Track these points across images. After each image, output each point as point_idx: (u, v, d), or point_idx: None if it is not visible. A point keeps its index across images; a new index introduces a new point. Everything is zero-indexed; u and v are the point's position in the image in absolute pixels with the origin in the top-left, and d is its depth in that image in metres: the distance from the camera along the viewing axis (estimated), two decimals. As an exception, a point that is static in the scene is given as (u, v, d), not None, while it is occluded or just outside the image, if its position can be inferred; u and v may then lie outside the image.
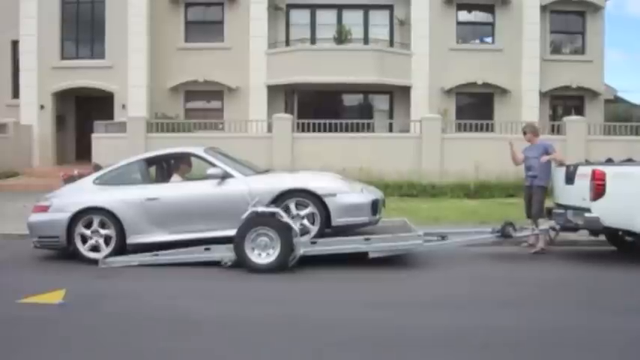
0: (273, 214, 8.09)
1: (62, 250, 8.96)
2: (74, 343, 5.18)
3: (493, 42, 23.15)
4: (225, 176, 8.55)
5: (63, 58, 21.85)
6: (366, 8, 23.18)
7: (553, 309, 6.26)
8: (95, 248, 8.68)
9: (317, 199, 8.23)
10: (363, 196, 8.53)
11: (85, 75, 21.32)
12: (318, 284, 7.51)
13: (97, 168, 16.68)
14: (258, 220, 8.06)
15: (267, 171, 9.61)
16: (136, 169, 9.17)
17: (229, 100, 22.55)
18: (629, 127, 19.00)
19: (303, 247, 8.05)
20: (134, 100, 21.28)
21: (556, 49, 24.06)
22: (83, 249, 8.68)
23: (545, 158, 9.72)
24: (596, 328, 5.57)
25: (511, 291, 7.11)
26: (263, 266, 7.94)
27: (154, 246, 8.52)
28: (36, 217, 9.04)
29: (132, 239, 8.62)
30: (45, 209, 9.00)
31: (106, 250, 8.62)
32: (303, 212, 8.27)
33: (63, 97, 22.27)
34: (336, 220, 8.26)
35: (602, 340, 5.19)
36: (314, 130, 18.26)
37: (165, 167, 9.78)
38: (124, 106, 21.31)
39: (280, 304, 6.48)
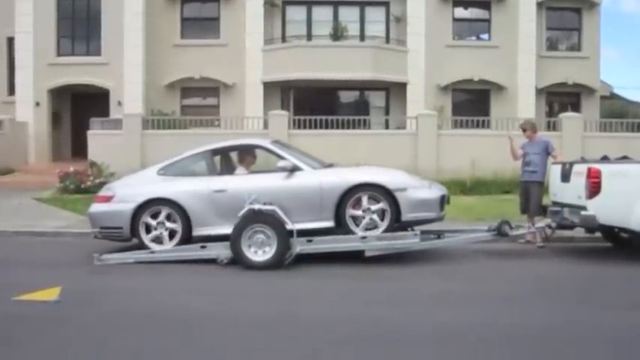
0: (269, 211, 8.08)
1: (124, 241, 8.80)
2: (71, 341, 5.17)
3: (489, 39, 23.13)
4: (294, 169, 8.42)
5: (59, 55, 21.75)
6: (362, 5, 23.13)
7: (550, 305, 6.28)
8: (160, 240, 8.51)
9: (387, 194, 8.11)
10: (432, 191, 8.46)
11: (80, 72, 21.23)
12: (315, 282, 7.51)
13: (93, 165, 16.83)
14: (254, 218, 8.04)
15: (331, 165, 9.40)
16: (201, 160, 9.00)
17: (225, 96, 22.49)
18: (625, 123, 19.02)
19: (300, 245, 8.02)
20: (130, 97, 21.21)
21: (552, 45, 24.08)
22: (148, 240, 8.52)
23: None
24: (592, 324, 5.58)
25: (508, 288, 7.13)
26: (259, 263, 7.93)
27: (218, 238, 8.30)
28: (98, 208, 8.86)
29: (198, 231, 8.46)
30: (108, 200, 8.81)
31: (171, 241, 8.47)
32: (373, 207, 8.13)
33: (59, 94, 22.20)
34: (406, 216, 8.16)
35: (599, 336, 5.20)
36: (310, 127, 18.20)
37: (229, 159, 9.53)
38: (119, 103, 21.25)
39: (278, 302, 6.48)
